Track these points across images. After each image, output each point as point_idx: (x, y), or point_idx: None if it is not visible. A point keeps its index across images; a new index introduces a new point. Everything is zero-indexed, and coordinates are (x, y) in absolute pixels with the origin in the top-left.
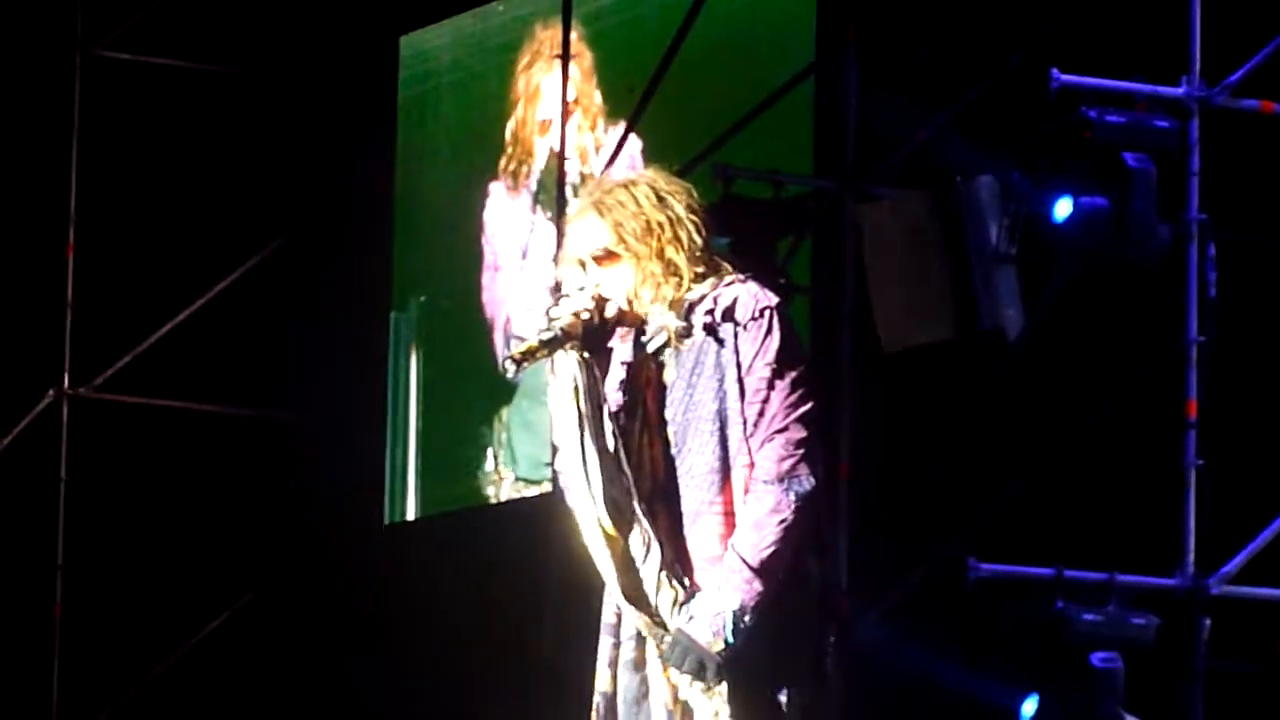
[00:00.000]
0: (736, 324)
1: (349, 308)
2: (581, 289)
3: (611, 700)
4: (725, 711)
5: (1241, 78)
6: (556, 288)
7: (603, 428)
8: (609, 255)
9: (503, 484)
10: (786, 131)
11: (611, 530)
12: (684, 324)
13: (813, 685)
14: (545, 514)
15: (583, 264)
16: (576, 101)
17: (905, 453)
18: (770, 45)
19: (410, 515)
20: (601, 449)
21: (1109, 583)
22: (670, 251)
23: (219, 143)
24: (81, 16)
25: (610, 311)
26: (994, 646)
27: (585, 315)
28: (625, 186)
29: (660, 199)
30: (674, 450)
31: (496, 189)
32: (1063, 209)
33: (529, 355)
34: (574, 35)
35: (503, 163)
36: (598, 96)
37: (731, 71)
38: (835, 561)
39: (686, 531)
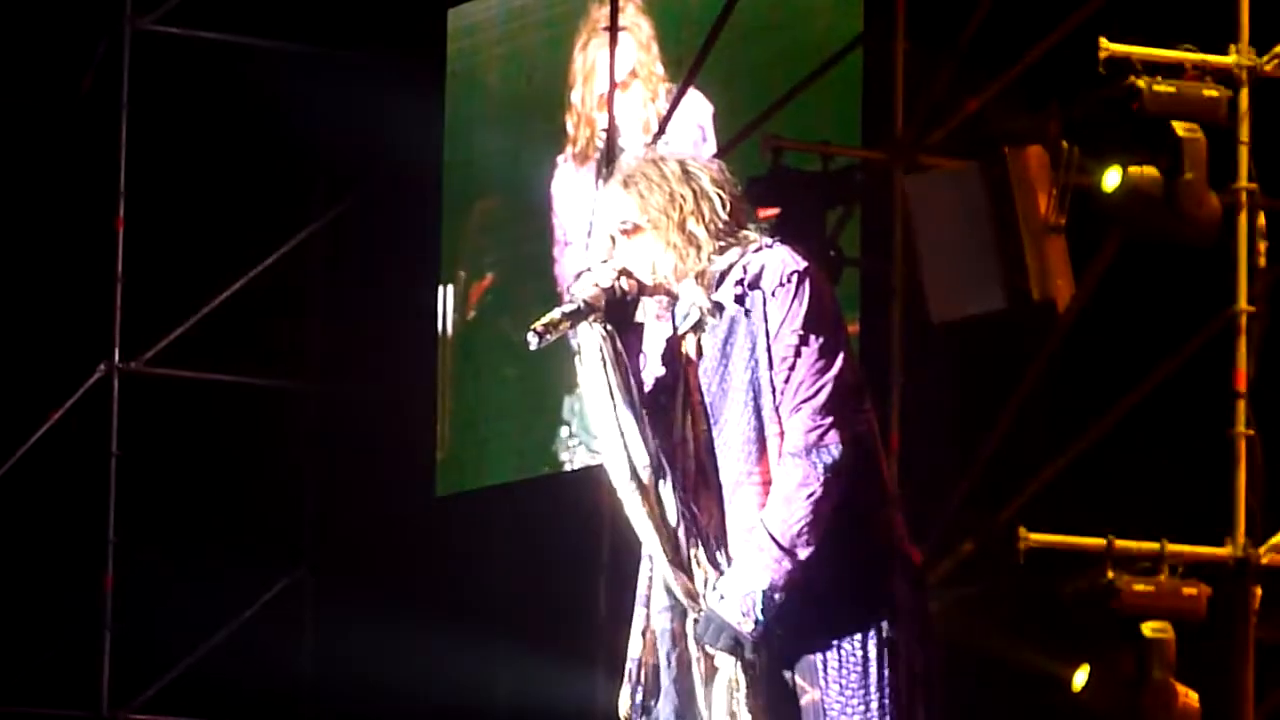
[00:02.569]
0: (764, 291)
1: (398, 280)
2: (604, 262)
3: (644, 667)
4: (743, 681)
5: None
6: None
7: (633, 398)
8: (634, 228)
9: (577, 451)
10: (835, 103)
11: (650, 496)
12: (714, 302)
13: (896, 628)
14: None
15: (612, 238)
16: (634, 73)
17: (956, 424)
18: (820, 15)
19: (478, 483)
20: (636, 418)
21: (1160, 552)
22: (691, 223)
23: (267, 117)
24: None
25: (633, 284)
26: (1045, 617)
27: (607, 288)
28: (654, 162)
29: (686, 173)
30: (711, 424)
31: (564, 165)
32: (1112, 179)
33: (551, 327)
34: (632, 6)
35: (569, 139)
36: (659, 67)
37: (781, 42)
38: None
39: (726, 505)
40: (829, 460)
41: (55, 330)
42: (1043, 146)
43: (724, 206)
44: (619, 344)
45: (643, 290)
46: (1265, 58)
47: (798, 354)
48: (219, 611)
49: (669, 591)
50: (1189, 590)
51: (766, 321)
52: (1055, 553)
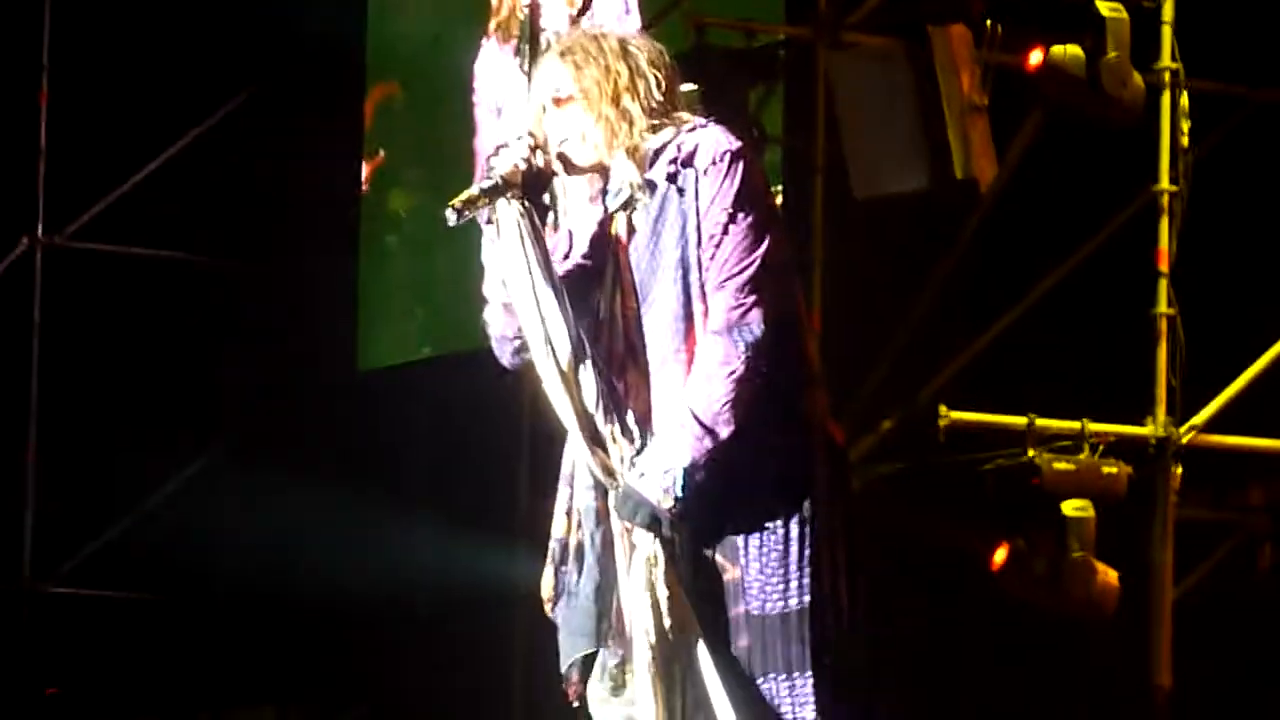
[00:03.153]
0: (696, 169)
1: (319, 157)
2: (519, 138)
3: (567, 547)
4: (661, 556)
5: None
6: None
7: (552, 275)
8: (567, 98)
9: None
10: None
11: (568, 372)
12: (647, 180)
13: (817, 507)
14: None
15: (544, 107)
16: None
17: (877, 302)
18: None
19: (398, 360)
20: (556, 295)
21: (1081, 431)
22: (626, 100)
23: None
24: None
25: (548, 161)
26: (966, 496)
27: (523, 164)
28: (594, 37)
29: (624, 50)
30: (640, 301)
31: (488, 45)
32: (1035, 58)
33: (470, 204)
34: None
35: (492, 12)
36: None
37: None
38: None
39: (653, 382)
40: (750, 338)
41: None
42: (966, 25)
43: (659, 87)
44: (536, 220)
45: (569, 169)
46: None
47: (725, 231)
48: (140, 485)
49: (590, 471)
50: (1109, 469)
51: (698, 199)
52: (976, 432)
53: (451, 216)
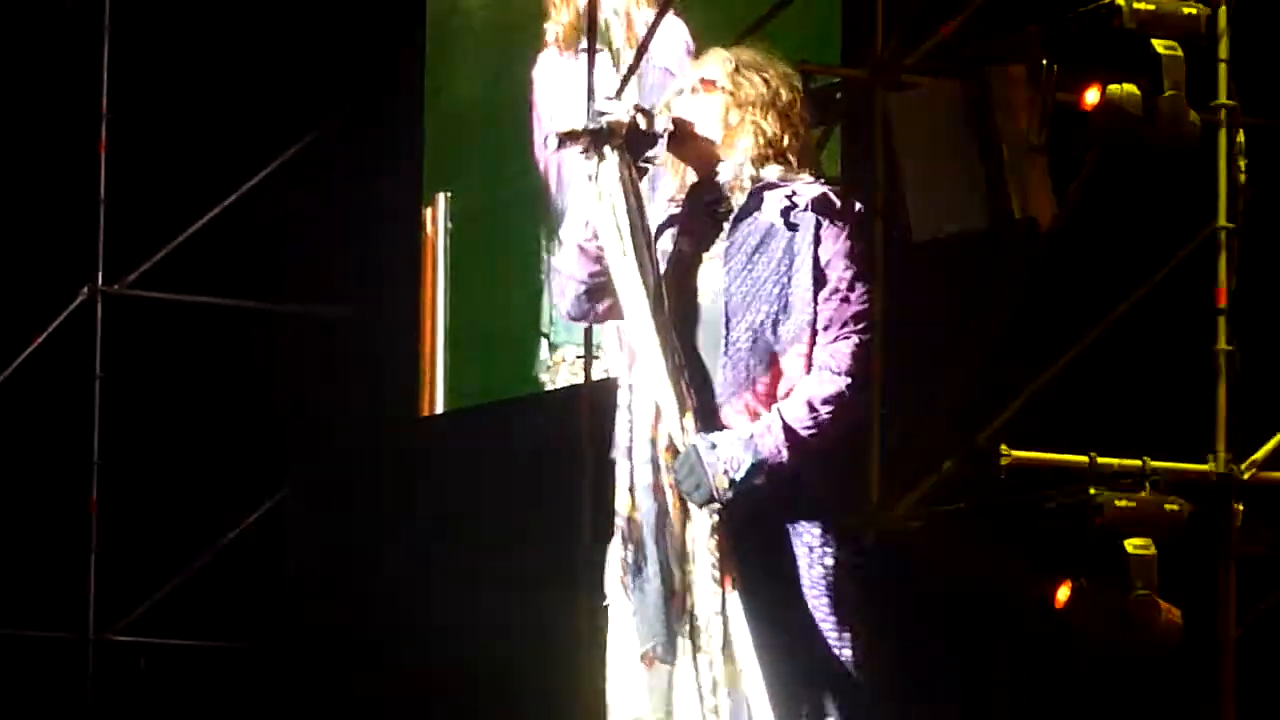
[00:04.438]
0: (822, 217)
1: (380, 202)
2: (622, 102)
3: (632, 524)
4: (713, 543)
5: None
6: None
7: (646, 225)
8: (716, 86)
9: (559, 370)
10: (815, 22)
11: (654, 320)
12: (759, 194)
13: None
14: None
15: (683, 91)
16: None
17: (937, 343)
18: None
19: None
20: (648, 243)
21: (1142, 469)
22: (769, 117)
23: (251, 36)
24: None
25: (650, 127)
26: (1028, 533)
27: (628, 120)
28: (768, 55)
29: (788, 78)
30: (723, 319)
31: (546, 54)
32: (1091, 97)
33: (571, 137)
34: None
35: (549, 24)
36: None
37: None
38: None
39: (721, 400)
40: (861, 386)
41: (39, 252)
42: (1023, 65)
43: (796, 124)
44: (634, 174)
45: (678, 147)
46: None
47: (852, 288)
48: (204, 533)
49: (652, 443)
50: (1171, 506)
51: (818, 246)
52: (1037, 470)
53: (552, 143)
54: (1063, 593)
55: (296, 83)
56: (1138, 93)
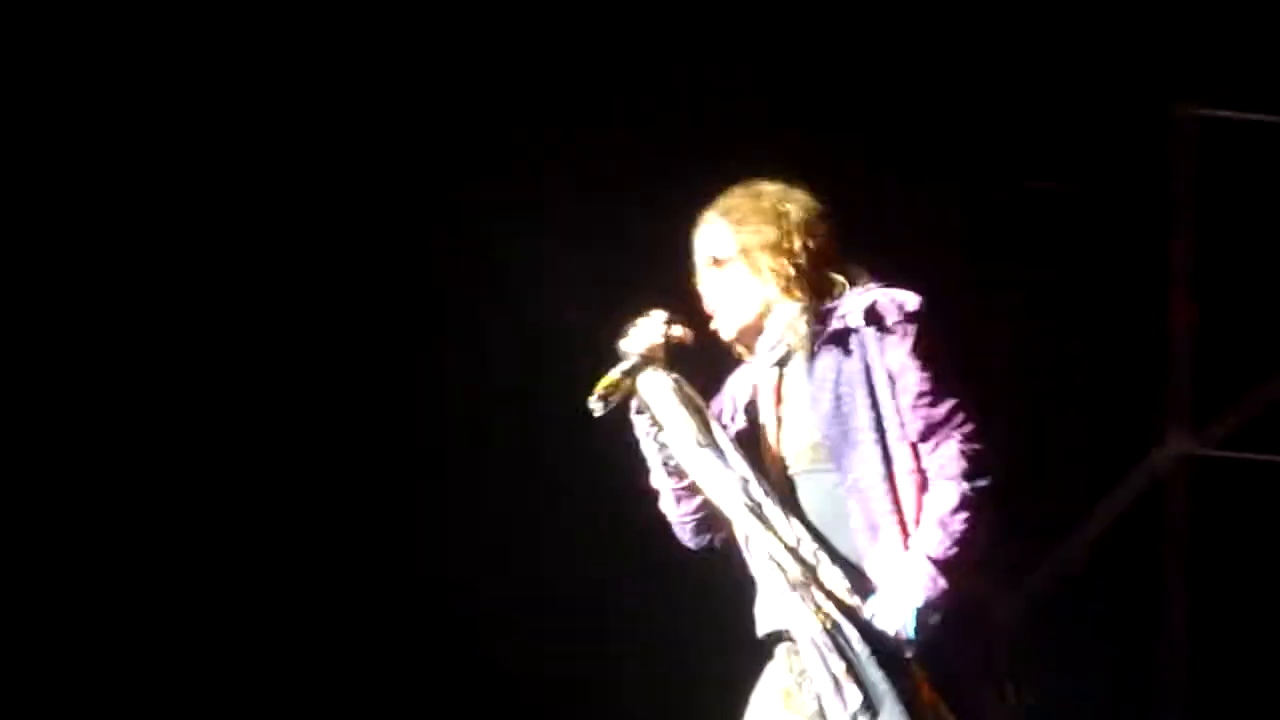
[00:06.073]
0: (879, 328)
1: None
2: (648, 317)
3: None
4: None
5: None
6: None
7: (712, 428)
8: (727, 258)
9: None
10: None
11: (765, 515)
12: (815, 328)
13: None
14: None
15: (702, 271)
16: None
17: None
18: None
19: None
20: (727, 441)
21: None
22: (784, 257)
23: None
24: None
25: (686, 333)
26: None
27: (661, 339)
28: (753, 194)
29: (780, 209)
30: (830, 464)
31: None
32: None
33: (612, 389)
34: None
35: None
36: None
37: None
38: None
39: (869, 544)
40: (983, 484)
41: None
42: None
43: (817, 243)
44: (688, 387)
45: (730, 331)
46: None
47: (933, 390)
48: None
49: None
50: None
51: (884, 357)
52: None
53: (598, 406)
54: None
55: None
56: None
